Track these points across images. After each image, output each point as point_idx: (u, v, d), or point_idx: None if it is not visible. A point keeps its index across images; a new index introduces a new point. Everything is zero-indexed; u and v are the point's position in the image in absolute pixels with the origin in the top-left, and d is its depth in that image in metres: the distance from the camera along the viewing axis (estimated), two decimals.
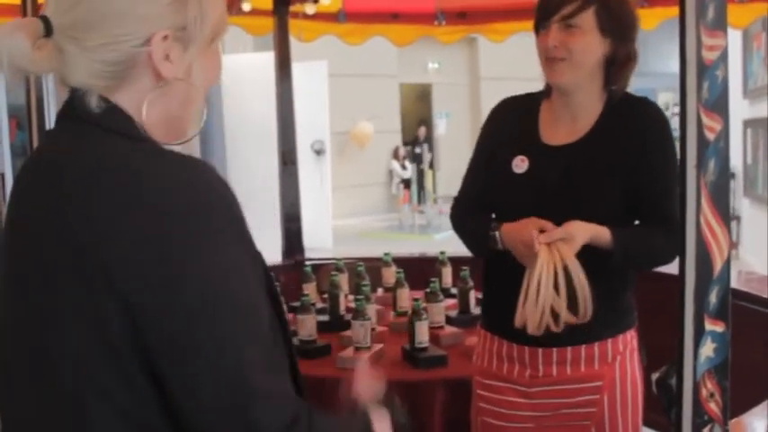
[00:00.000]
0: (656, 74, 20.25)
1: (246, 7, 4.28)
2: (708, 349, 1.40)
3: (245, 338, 0.94)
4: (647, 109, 1.96)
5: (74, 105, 1.03)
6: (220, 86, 8.42)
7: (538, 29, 1.93)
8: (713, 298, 1.39)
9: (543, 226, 1.84)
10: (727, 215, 1.38)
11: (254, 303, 0.98)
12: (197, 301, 0.92)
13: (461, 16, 4.55)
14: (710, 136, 1.35)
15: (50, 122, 4.33)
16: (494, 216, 2.01)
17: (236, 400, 0.91)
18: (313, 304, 3.04)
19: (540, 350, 1.97)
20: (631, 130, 1.92)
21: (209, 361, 0.91)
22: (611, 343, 1.97)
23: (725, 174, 1.36)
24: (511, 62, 16.77)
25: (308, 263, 3.98)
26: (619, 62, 1.92)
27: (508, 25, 4.64)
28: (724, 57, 1.36)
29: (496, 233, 1.93)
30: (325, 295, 3.34)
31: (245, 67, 7.95)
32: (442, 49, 7.94)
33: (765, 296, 3.09)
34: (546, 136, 1.99)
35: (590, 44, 1.87)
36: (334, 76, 11.40)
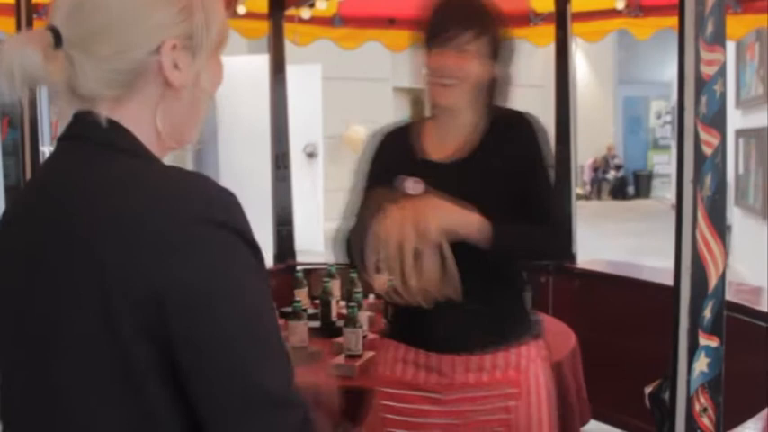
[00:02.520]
0: (649, 82, 20.36)
1: (241, 10, 4.27)
2: (702, 364, 1.40)
3: (268, 349, 0.99)
4: (526, 121, 2.05)
5: (80, 125, 1.04)
6: None
7: (428, 47, 1.98)
8: (708, 313, 1.39)
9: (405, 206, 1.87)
10: (722, 230, 1.38)
11: (270, 312, 1.02)
12: (225, 320, 0.95)
13: None
14: (708, 151, 1.35)
15: (43, 121, 4.30)
16: None
17: (262, 409, 0.96)
18: (304, 310, 3.03)
19: (456, 358, 1.99)
20: (515, 141, 2.02)
21: (234, 371, 0.95)
22: (524, 349, 2.03)
23: (721, 189, 1.37)
24: None
25: (299, 268, 3.96)
26: (501, 84, 2.03)
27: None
28: (722, 71, 1.36)
29: None
30: (317, 301, 3.33)
31: (239, 70, 7.92)
32: None
33: (757, 308, 3.09)
34: (433, 154, 2.05)
35: (481, 68, 1.97)
36: (328, 79, 11.39)
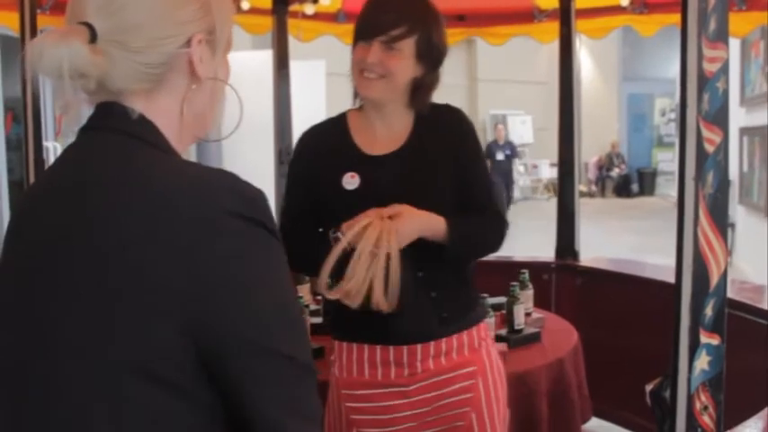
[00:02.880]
0: (654, 79, 20.31)
1: (245, 6, 4.26)
2: (703, 362, 1.40)
3: (300, 329, 1.05)
4: (454, 115, 2.10)
5: (104, 115, 1.05)
6: None
7: (357, 41, 2.00)
8: (709, 311, 1.38)
9: (382, 213, 1.91)
10: (724, 228, 1.38)
11: (295, 297, 1.08)
12: (263, 309, 0.98)
13: (461, 19, 4.55)
14: (710, 148, 1.35)
15: (46, 116, 4.32)
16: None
17: (303, 375, 1.01)
18: (307, 306, 3.03)
19: (419, 346, 2.02)
20: (446, 134, 2.06)
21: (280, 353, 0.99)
22: (475, 331, 2.09)
23: (723, 187, 1.36)
24: (508, 64, 16.82)
25: None
26: (425, 86, 2.04)
27: (507, 28, 4.64)
28: (725, 69, 1.35)
29: (338, 233, 1.94)
30: (319, 297, 3.33)
31: (243, 65, 7.91)
32: None
33: (759, 306, 3.09)
34: (367, 148, 2.06)
35: (406, 67, 1.97)
36: (332, 75, 11.38)
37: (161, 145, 1.06)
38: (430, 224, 1.95)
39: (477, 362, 2.06)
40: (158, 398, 0.94)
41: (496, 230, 2.08)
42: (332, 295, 1.91)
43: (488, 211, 2.08)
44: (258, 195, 1.01)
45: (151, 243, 0.93)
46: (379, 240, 1.86)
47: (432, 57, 2.00)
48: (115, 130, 1.04)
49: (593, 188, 19.51)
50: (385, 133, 2.06)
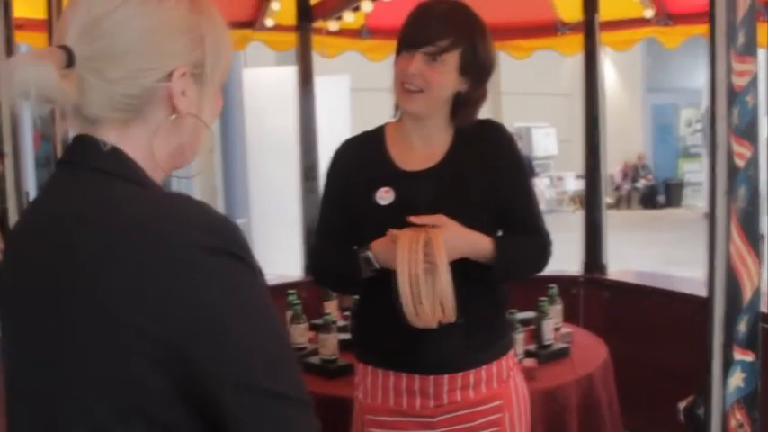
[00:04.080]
0: (679, 90, 20.19)
1: (269, 23, 4.30)
2: (737, 379, 1.38)
3: (290, 352, 1.02)
4: (495, 130, 2.04)
5: (79, 149, 1.03)
6: (242, 100, 8.43)
7: (400, 51, 1.96)
8: (743, 327, 1.37)
9: (424, 220, 1.87)
10: (756, 243, 1.36)
11: (279, 326, 1.02)
12: (244, 338, 0.95)
13: None
14: (740, 163, 1.33)
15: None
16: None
17: (290, 411, 0.97)
18: (334, 322, 3.02)
19: (446, 377, 1.95)
20: (486, 150, 2.00)
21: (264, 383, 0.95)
22: (504, 361, 2.02)
23: (755, 201, 1.35)
24: (531, 77, 16.79)
25: None
26: (471, 101, 1.98)
27: (531, 42, 4.64)
28: (754, 82, 1.34)
29: (368, 253, 1.91)
30: (347, 312, 3.33)
31: (267, 81, 7.97)
32: None
33: None
34: (403, 163, 2.01)
35: (448, 81, 1.92)
36: (356, 90, 11.41)
37: (136, 178, 1.02)
38: (475, 242, 1.90)
39: (504, 395, 2.00)
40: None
41: (541, 250, 2.03)
42: (422, 325, 1.86)
43: (531, 229, 2.02)
44: (229, 226, 0.98)
45: (124, 282, 0.91)
46: (428, 255, 1.81)
47: (476, 71, 1.94)
48: (89, 166, 1.01)
49: (622, 193, 19.35)
50: (422, 148, 2.00)
